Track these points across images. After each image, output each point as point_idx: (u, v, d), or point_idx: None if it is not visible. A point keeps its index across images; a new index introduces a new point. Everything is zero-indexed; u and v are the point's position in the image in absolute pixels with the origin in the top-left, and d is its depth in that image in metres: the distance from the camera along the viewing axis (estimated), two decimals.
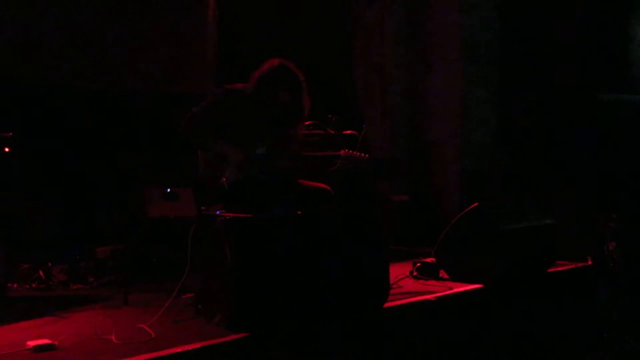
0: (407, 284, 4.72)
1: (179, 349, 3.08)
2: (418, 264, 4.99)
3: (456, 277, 4.78)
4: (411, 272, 4.99)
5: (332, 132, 4.40)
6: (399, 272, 4.91)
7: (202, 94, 4.24)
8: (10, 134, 4.26)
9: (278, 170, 4.04)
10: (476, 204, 4.81)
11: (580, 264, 5.47)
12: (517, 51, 7.33)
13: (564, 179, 6.90)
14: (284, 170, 4.08)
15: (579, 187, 6.80)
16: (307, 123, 4.38)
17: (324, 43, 6.99)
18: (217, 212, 3.80)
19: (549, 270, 5.17)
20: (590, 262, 5.54)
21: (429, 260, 4.98)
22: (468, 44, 7.11)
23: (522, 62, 7.34)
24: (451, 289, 4.51)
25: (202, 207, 3.96)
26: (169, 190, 4.66)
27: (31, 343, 3.16)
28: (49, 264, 4.82)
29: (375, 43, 7.41)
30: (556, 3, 7.29)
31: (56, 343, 3.20)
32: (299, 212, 3.91)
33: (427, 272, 4.92)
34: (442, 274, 4.92)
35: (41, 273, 4.77)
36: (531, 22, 7.35)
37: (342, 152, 4.12)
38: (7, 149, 4.22)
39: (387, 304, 3.95)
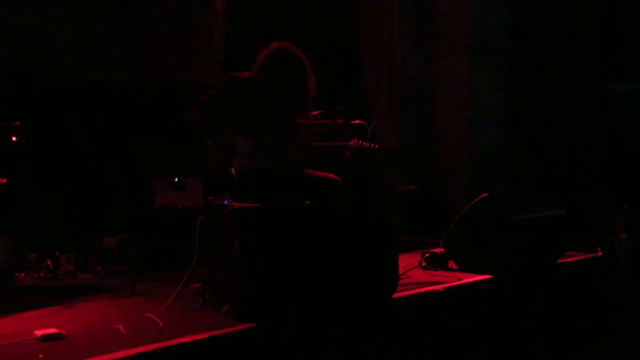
0: (415, 275, 4.71)
1: (186, 339, 3.08)
2: (427, 255, 4.98)
3: (465, 268, 4.76)
4: (420, 263, 4.98)
5: (340, 122, 4.38)
6: (408, 263, 4.89)
7: (210, 83, 4.22)
8: (18, 123, 4.25)
9: (287, 159, 4.02)
10: (485, 194, 4.79)
11: (589, 255, 5.44)
12: (528, 40, 7.27)
13: (574, 169, 6.86)
14: (293, 160, 4.05)
15: (589, 178, 6.76)
16: (315, 113, 4.36)
17: (332, 32, 6.96)
18: (225, 202, 3.78)
19: (559, 261, 5.15)
20: (599, 253, 5.51)
21: (437, 250, 4.97)
22: (478, 33, 7.06)
23: (533, 50, 7.28)
24: (460, 279, 4.50)
25: (210, 197, 3.94)
26: (176, 179, 4.64)
27: (39, 332, 3.16)
28: (57, 254, 4.83)
29: (384, 32, 7.37)
30: None
31: (64, 332, 3.20)
32: (307, 202, 3.89)
33: (436, 263, 4.91)
34: (451, 264, 4.91)
35: (49, 262, 4.78)
36: (542, 10, 7.29)
37: (352, 142, 4.10)
38: (14, 138, 4.21)
39: (396, 295, 3.94)
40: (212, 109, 3.89)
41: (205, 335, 3.13)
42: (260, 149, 3.88)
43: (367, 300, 3.77)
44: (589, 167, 6.88)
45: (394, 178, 7.03)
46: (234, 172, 3.86)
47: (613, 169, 6.80)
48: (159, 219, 4.83)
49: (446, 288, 4.28)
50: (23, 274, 4.70)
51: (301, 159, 4.10)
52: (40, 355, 2.91)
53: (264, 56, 3.98)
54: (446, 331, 4.11)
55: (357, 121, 4.48)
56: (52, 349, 3.02)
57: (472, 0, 7.01)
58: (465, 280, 4.47)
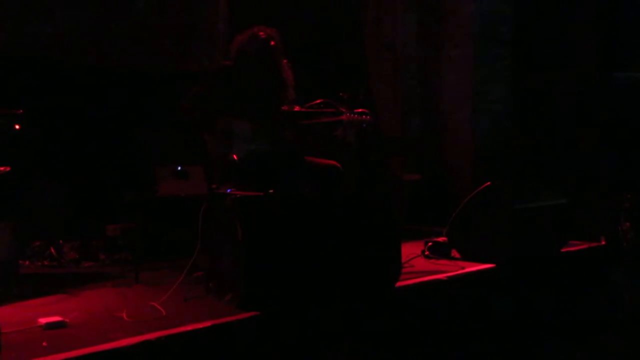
0: (418, 264, 4.71)
1: (189, 327, 3.08)
2: (430, 244, 4.98)
3: (468, 257, 4.76)
4: (423, 252, 4.97)
5: (344, 110, 4.36)
6: (411, 252, 4.89)
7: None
8: (21, 111, 4.24)
9: (285, 141, 4.03)
10: (489, 183, 4.78)
11: (593, 244, 5.44)
12: (532, 30, 7.24)
13: (578, 158, 6.84)
14: (291, 142, 4.06)
15: (593, 167, 6.74)
16: (318, 101, 4.35)
17: (335, 21, 6.93)
18: (228, 191, 3.78)
19: (562, 250, 5.14)
20: (603, 243, 5.51)
21: (440, 239, 4.97)
22: (482, 22, 7.04)
23: (537, 40, 7.25)
24: (463, 268, 4.50)
25: (213, 185, 3.94)
26: (179, 168, 4.64)
27: (42, 320, 3.17)
28: (60, 242, 4.84)
29: (387, 21, 7.34)
30: None
31: (67, 320, 3.21)
32: (309, 190, 3.89)
33: (439, 252, 4.91)
34: (454, 253, 4.90)
35: (52, 250, 4.79)
36: (547, 1, 7.26)
37: (344, 117, 4.11)
38: (17, 127, 4.21)
39: (399, 284, 3.94)
40: (205, 98, 3.89)
41: (208, 324, 3.13)
42: (259, 131, 3.88)
43: (370, 289, 3.77)
44: (592, 156, 6.87)
45: (398, 167, 7.03)
46: (235, 158, 3.86)
47: (616, 158, 6.78)
48: (162, 207, 4.83)
49: (449, 277, 4.28)
50: (27, 262, 4.72)
51: (298, 139, 4.10)
52: (45, 343, 2.92)
53: (236, 42, 4.04)
54: (449, 320, 4.12)
55: (360, 109, 4.46)
56: (56, 336, 3.03)
57: None
58: (468, 269, 4.47)
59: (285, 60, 4.12)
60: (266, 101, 4.06)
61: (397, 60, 7.29)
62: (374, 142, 5.66)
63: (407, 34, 7.30)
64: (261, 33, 4.02)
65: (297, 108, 4.14)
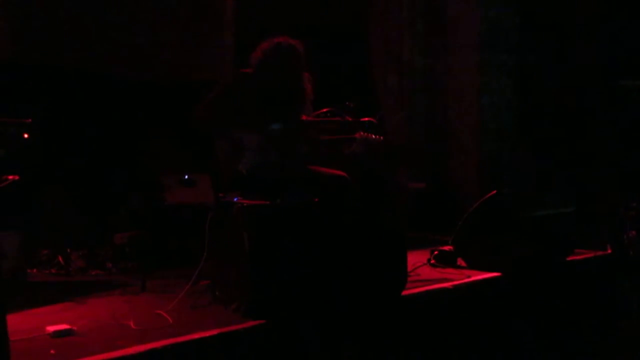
0: (424, 272, 4.70)
1: (196, 336, 3.09)
2: (436, 252, 4.98)
3: (474, 265, 4.75)
4: (429, 260, 4.97)
5: (350, 119, 4.38)
6: (417, 260, 4.88)
7: (219, 80, 4.24)
8: (30, 120, 4.27)
9: (295, 155, 4.03)
10: (495, 191, 4.78)
11: (599, 253, 5.42)
12: (538, 37, 7.25)
13: (584, 166, 6.84)
14: (301, 155, 4.06)
15: (599, 175, 6.73)
16: (324, 110, 4.36)
17: (340, 29, 6.95)
18: (235, 199, 3.80)
19: (568, 259, 5.14)
20: (609, 251, 5.49)
21: (446, 248, 4.96)
22: (487, 30, 7.04)
23: (542, 48, 7.26)
24: (469, 277, 4.49)
25: (220, 194, 3.96)
26: (186, 176, 4.66)
27: (50, 328, 3.19)
28: (68, 250, 4.85)
29: (393, 29, 7.36)
30: None
31: (75, 328, 3.23)
32: (316, 199, 3.90)
33: (444, 260, 4.91)
34: (460, 262, 4.90)
35: (60, 259, 4.81)
36: (552, 8, 7.27)
37: (357, 135, 4.11)
38: (26, 135, 4.23)
39: (405, 292, 3.94)
40: (219, 106, 3.89)
41: (214, 332, 3.15)
42: (268, 144, 3.89)
43: (376, 298, 3.78)
44: (598, 164, 6.86)
45: (403, 175, 7.03)
46: (242, 169, 3.88)
47: (622, 166, 6.77)
48: (169, 215, 4.85)
49: (455, 286, 4.28)
50: (34, 270, 4.73)
51: (309, 154, 4.11)
52: (52, 351, 2.94)
53: (259, 50, 4.00)
54: (455, 329, 4.12)
55: (366, 118, 4.48)
56: (63, 344, 3.05)
57: None
58: (474, 278, 4.46)
59: (307, 74, 4.09)
60: (282, 113, 4.05)
61: (402, 69, 7.30)
62: (383, 156, 5.67)
63: (412, 43, 7.31)
64: (285, 43, 3.99)
65: (303, 117, 4.15)
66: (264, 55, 3.97)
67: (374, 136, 4.13)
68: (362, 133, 4.12)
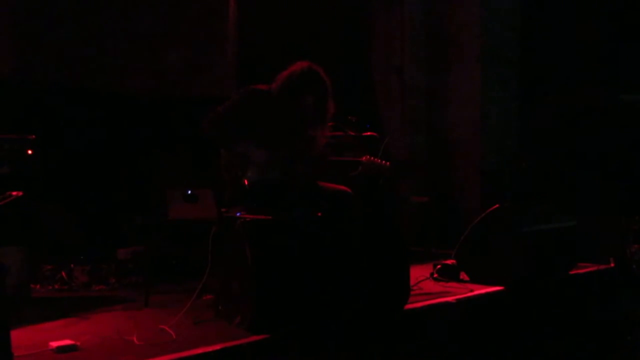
0: (427, 286, 4.71)
1: (199, 350, 3.10)
2: (438, 266, 4.98)
3: (477, 279, 4.76)
4: (431, 274, 4.97)
5: (352, 133, 4.39)
6: (420, 274, 4.89)
7: (222, 95, 4.25)
8: (33, 136, 4.30)
9: (300, 173, 4.04)
10: (497, 205, 4.79)
11: (602, 267, 5.42)
12: (539, 51, 7.28)
13: (587, 180, 6.84)
14: (306, 174, 4.07)
15: (602, 189, 6.74)
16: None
17: (343, 44, 6.99)
18: (238, 214, 3.80)
19: (571, 273, 5.14)
20: (612, 265, 5.49)
21: (449, 262, 4.97)
22: (488, 44, 7.08)
23: (544, 62, 7.29)
24: (472, 291, 4.49)
25: (223, 209, 3.97)
26: (189, 191, 4.67)
27: (54, 344, 3.20)
28: (71, 266, 4.86)
29: (395, 44, 7.39)
30: (580, 2, 7.24)
31: (78, 344, 3.23)
32: (320, 214, 3.91)
33: (447, 274, 4.91)
34: (463, 276, 4.90)
35: (63, 274, 4.82)
36: (554, 22, 7.30)
37: (364, 158, 4.11)
38: (29, 151, 4.26)
39: (408, 306, 3.95)
40: (229, 119, 3.91)
41: (218, 347, 3.15)
42: (274, 161, 3.90)
43: (379, 312, 3.78)
44: (600, 178, 6.86)
45: (405, 189, 7.04)
46: (246, 183, 3.89)
47: (625, 180, 6.78)
48: (172, 231, 4.86)
49: (458, 299, 4.28)
50: (38, 286, 4.74)
51: (314, 172, 4.12)
52: None
53: (290, 72, 4.00)
54: (458, 342, 4.11)
55: (368, 133, 4.49)
56: None
57: (483, 11, 7.03)
58: (477, 292, 4.47)
59: (331, 102, 4.07)
60: (302, 133, 4.05)
61: (404, 83, 7.33)
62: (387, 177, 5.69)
63: (414, 56, 7.34)
64: (316, 69, 4.01)
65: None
66: (292, 75, 3.97)
67: (380, 161, 4.14)
68: (368, 157, 4.13)
